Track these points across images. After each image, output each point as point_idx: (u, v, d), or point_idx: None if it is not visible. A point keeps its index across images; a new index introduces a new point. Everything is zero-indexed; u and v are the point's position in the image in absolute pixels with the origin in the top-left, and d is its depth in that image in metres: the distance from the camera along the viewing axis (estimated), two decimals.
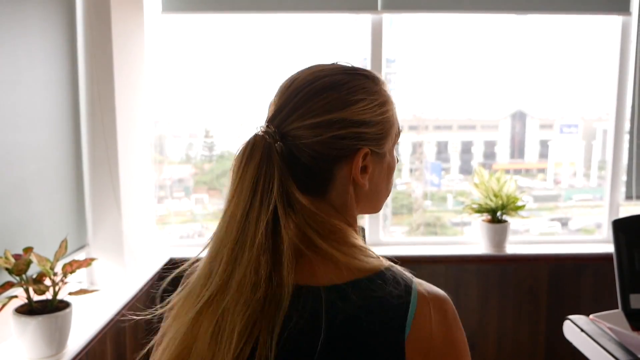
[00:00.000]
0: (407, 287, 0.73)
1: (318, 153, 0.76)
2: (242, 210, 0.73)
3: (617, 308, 1.97)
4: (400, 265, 0.78)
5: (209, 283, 0.73)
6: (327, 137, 0.75)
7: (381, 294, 0.71)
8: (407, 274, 0.76)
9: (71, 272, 1.72)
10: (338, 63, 0.82)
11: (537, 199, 3.51)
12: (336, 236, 0.77)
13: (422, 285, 0.75)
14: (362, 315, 0.70)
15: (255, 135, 0.75)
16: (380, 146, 0.81)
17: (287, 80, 0.81)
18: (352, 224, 0.82)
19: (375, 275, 0.73)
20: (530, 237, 3.26)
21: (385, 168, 0.84)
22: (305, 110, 0.75)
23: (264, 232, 0.72)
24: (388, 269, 0.75)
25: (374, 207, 0.86)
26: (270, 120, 0.78)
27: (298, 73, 0.81)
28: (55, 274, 1.68)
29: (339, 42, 3.04)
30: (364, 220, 2.97)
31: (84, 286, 2.24)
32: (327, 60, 0.83)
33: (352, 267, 0.74)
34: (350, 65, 0.82)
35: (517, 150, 3.53)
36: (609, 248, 2.15)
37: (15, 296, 1.60)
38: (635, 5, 2.82)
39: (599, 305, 2.31)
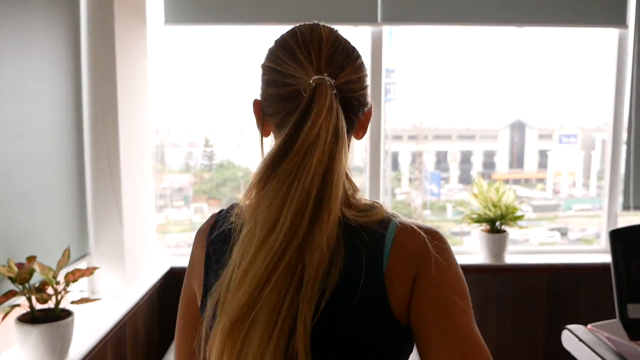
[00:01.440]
0: (386, 224, 0.81)
1: (360, 103, 0.85)
2: (319, 151, 0.76)
3: (615, 318, 1.98)
4: None
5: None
6: (365, 90, 0.86)
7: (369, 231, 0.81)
8: (391, 213, 0.85)
9: (73, 281, 1.74)
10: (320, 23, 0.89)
11: (536, 208, 3.53)
12: (352, 193, 0.86)
13: (413, 222, 0.83)
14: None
15: (319, 84, 0.79)
16: None
17: (310, 36, 0.85)
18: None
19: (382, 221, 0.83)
20: (529, 247, 3.27)
21: None
22: (351, 67, 0.84)
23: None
24: (394, 215, 0.84)
25: None
26: (323, 71, 0.81)
27: (314, 30, 0.86)
28: (57, 283, 1.69)
29: None
30: None
31: (86, 295, 2.26)
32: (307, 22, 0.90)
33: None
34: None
35: (516, 160, 3.55)
36: (608, 258, 2.16)
37: (18, 305, 1.62)
38: (631, 18, 2.85)
39: (597, 314, 2.32)
